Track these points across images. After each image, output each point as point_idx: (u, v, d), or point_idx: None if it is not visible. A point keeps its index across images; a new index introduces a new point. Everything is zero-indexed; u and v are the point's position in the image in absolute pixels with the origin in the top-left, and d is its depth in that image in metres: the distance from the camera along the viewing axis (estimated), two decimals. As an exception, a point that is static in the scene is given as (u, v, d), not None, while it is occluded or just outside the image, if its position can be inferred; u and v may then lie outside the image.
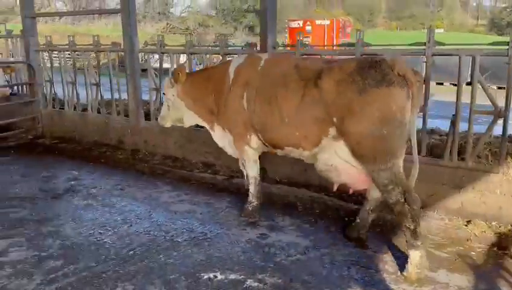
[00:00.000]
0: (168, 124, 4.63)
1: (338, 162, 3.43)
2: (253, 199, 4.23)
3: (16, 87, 7.78)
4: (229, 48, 5.47)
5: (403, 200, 3.15)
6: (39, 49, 7.10)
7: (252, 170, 4.20)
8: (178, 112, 4.46)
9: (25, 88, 7.67)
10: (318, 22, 18.63)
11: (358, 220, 3.75)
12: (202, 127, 4.61)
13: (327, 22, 18.55)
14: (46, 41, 6.94)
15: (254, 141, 3.98)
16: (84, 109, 6.87)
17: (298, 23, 19.12)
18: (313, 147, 3.54)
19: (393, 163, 3.16)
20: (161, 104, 5.53)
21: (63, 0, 39.44)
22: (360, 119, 3.13)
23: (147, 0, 42.28)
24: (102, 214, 4.38)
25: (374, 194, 3.56)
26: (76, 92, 6.86)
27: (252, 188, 4.23)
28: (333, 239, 3.81)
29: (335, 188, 3.70)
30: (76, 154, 6.44)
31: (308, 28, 17.99)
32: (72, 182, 5.32)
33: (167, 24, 35.06)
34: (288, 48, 5.72)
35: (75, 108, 6.94)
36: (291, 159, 4.70)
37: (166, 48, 5.84)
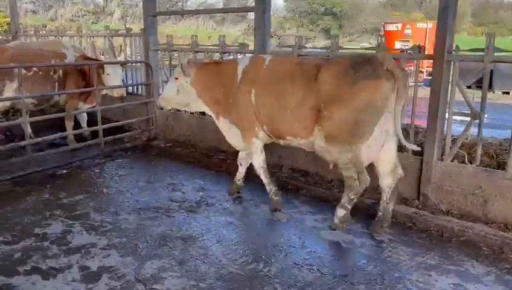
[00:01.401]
0: (168, 106, 5.09)
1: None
2: (271, 187, 4.46)
3: (131, 87, 7.68)
4: (391, 52, 4.74)
5: (356, 177, 3.69)
6: (158, 49, 6.91)
7: (257, 161, 4.46)
8: (187, 98, 4.68)
9: (140, 88, 7.56)
10: (420, 25, 17.24)
11: (380, 213, 4.01)
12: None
13: (429, 26, 17.11)
14: (167, 41, 6.72)
15: (261, 133, 4.30)
16: (202, 113, 6.52)
17: (396, 26, 17.86)
18: (308, 135, 3.89)
19: (357, 146, 3.60)
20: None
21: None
22: (345, 106, 3.53)
23: (226, 2, 42.80)
24: (248, 236, 3.89)
25: (385, 183, 3.90)
26: (195, 95, 6.53)
27: (263, 178, 4.47)
28: (557, 302, 2.96)
29: (331, 167, 4.02)
30: (195, 160, 6.11)
31: (408, 31, 16.71)
32: (201, 193, 4.93)
33: (248, 26, 35.04)
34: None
35: (192, 111, 6.63)
36: (466, 188, 3.97)
37: (305, 50, 5.28)
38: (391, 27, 18.03)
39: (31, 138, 5.48)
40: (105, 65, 6.40)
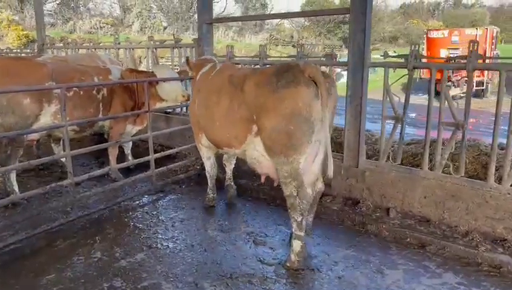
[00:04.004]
0: None
1: (257, 156, 3.73)
2: (209, 191, 4.78)
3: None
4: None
5: (295, 194, 3.42)
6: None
7: (205, 166, 4.71)
8: None
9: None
10: (468, 31, 15.99)
11: None
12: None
13: (479, 32, 15.84)
14: (227, 52, 5.65)
15: (204, 140, 4.42)
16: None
17: (442, 33, 16.60)
18: (241, 145, 3.82)
19: (294, 158, 3.40)
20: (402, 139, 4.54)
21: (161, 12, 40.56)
22: (273, 115, 3.40)
23: (244, 11, 41.96)
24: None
25: None
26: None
27: (209, 182, 4.76)
28: None
29: (262, 179, 4.04)
30: (267, 197, 4.97)
31: (455, 38, 15.50)
32: (295, 249, 3.78)
33: (270, 35, 34.16)
34: None
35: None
36: None
37: (421, 62, 4.14)
38: (436, 34, 16.74)
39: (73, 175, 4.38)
40: (157, 76, 5.33)
